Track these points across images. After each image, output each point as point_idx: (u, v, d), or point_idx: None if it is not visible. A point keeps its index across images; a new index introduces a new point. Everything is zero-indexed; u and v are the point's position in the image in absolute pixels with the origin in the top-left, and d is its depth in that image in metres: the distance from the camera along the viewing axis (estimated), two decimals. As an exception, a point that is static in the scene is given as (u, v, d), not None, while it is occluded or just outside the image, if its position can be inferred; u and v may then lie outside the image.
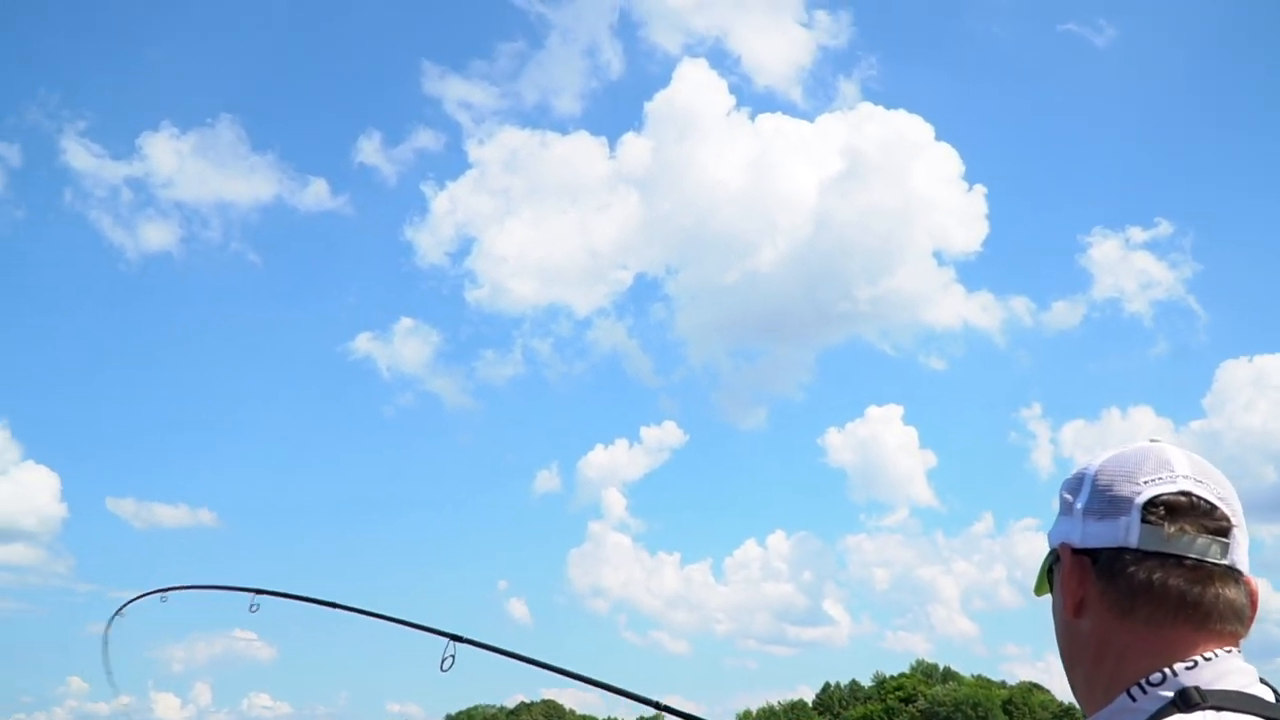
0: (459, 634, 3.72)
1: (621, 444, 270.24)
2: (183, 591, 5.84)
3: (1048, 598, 1.85)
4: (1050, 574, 1.87)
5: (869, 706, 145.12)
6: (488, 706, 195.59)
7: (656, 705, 2.96)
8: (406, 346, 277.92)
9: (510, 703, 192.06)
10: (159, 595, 5.97)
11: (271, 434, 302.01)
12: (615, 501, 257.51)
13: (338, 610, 4.35)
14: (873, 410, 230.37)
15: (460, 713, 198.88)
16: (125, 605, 6.50)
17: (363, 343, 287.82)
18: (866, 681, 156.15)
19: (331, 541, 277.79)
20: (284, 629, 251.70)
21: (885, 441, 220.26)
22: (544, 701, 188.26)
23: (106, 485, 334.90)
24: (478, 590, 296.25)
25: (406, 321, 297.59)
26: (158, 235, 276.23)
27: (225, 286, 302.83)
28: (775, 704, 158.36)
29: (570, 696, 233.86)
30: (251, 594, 4.80)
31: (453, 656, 3.55)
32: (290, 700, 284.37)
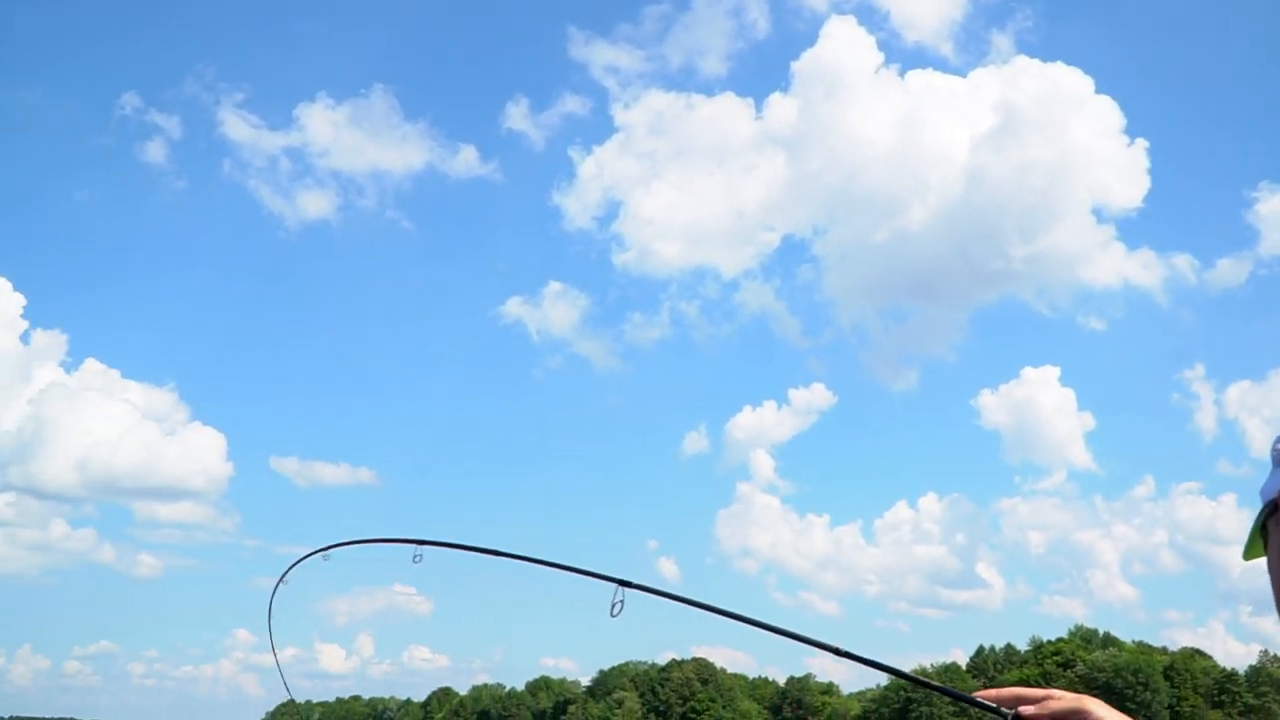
0: (627, 579, 3.67)
1: (770, 406, 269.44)
2: (346, 547, 5.84)
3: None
4: (1264, 531, 1.85)
5: (1025, 671, 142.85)
6: (640, 663, 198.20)
7: (835, 651, 2.80)
8: (555, 310, 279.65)
9: (661, 660, 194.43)
10: (321, 554, 6.02)
11: (427, 396, 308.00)
12: (764, 463, 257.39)
13: (501, 559, 4.29)
14: (1028, 371, 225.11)
15: (613, 668, 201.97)
16: (289, 570, 6.53)
17: (513, 307, 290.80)
18: (1022, 646, 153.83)
19: (486, 499, 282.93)
20: (442, 584, 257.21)
21: (1041, 403, 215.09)
22: (695, 659, 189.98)
23: (270, 445, 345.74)
24: (628, 549, 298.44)
25: (555, 285, 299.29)
26: (315, 204, 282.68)
27: (380, 253, 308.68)
28: (928, 666, 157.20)
29: (721, 655, 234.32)
30: (414, 545, 4.81)
31: (621, 602, 3.52)
32: (449, 653, 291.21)
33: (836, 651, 3.01)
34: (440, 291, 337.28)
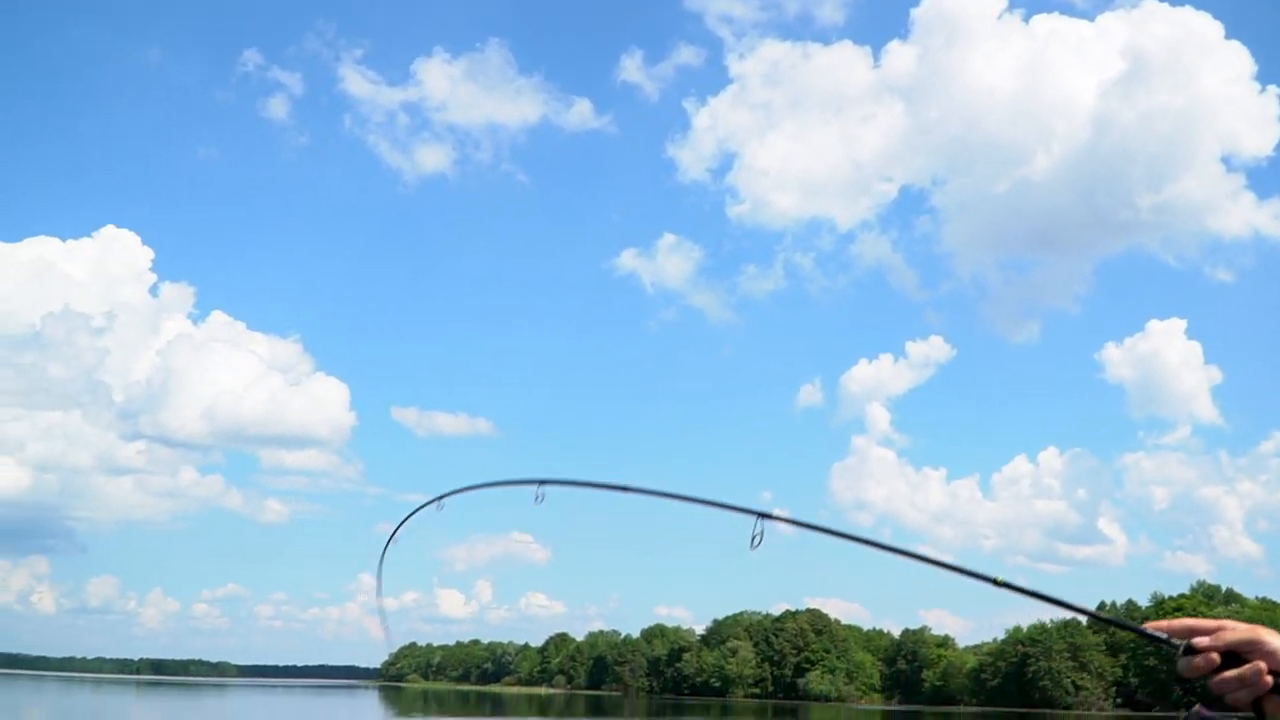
0: (767, 511, 3.76)
1: (886, 359, 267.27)
2: (467, 493, 5.66)
3: None
4: None
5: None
6: (753, 613, 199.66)
7: (994, 581, 2.90)
8: (669, 262, 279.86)
9: (775, 610, 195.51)
10: (436, 504, 5.85)
11: (543, 348, 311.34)
12: (879, 416, 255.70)
13: (630, 494, 4.36)
14: (1154, 324, 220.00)
15: (727, 617, 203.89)
16: (406, 519, 6.38)
17: (627, 259, 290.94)
18: (1144, 602, 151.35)
19: (600, 450, 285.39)
20: (558, 532, 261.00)
21: (1167, 357, 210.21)
22: (809, 610, 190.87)
23: (391, 395, 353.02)
24: (741, 501, 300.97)
25: (669, 238, 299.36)
26: (432, 158, 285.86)
27: (496, 206, 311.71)
28: (1047, 621, 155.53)
29: (835, 607, 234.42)
30: (536, 485, 4.66)
31: (760, 534, 3.61)
32: (564, 599, 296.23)
33: (995, 581, 3.04)
34: (555, 244, 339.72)
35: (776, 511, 3.57)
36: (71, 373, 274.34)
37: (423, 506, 6.00)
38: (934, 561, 3.06)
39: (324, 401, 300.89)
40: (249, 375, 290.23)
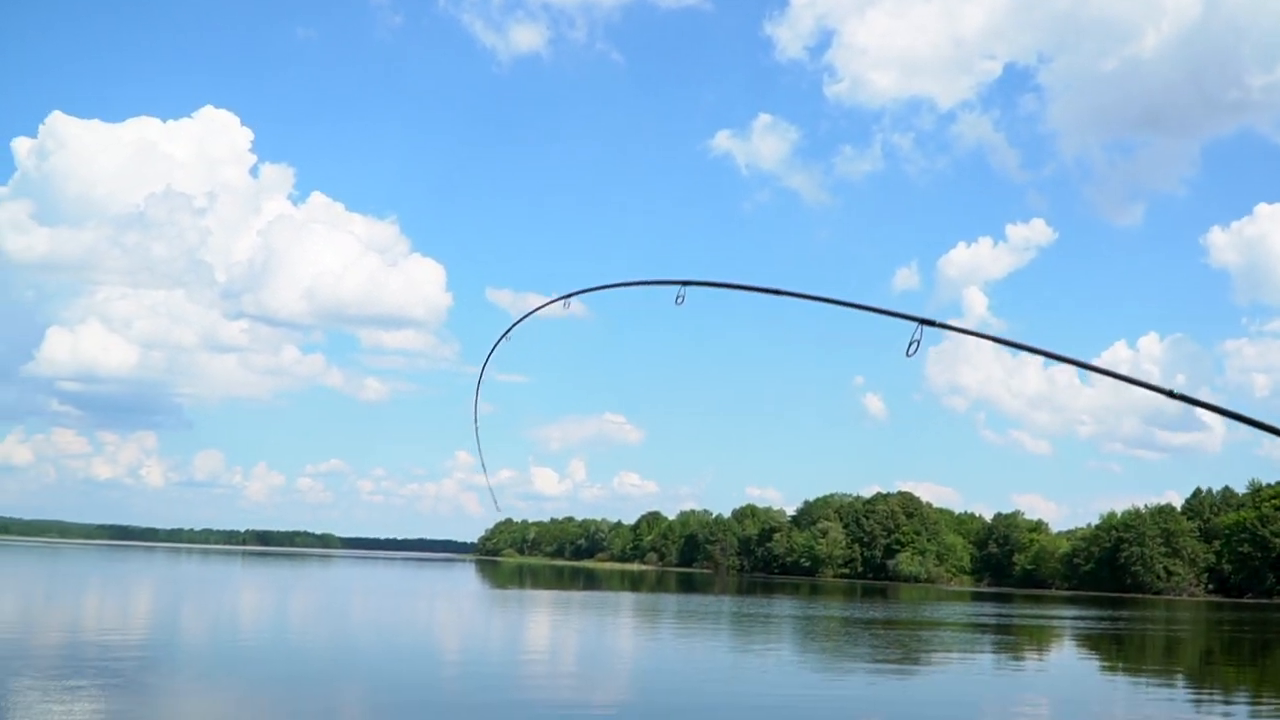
0: (929, 318, 3.79)
1: (985, 242, 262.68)
2: (610, 290, 5.34)
3: None
4: None
5: (1242, 514, 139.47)
6: (844, 495, 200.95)
7: (1169, 393, 2.91)
8: (764, 143, 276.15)
9: (866, 493, 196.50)
10: (563, 302, 5.53)
11: (637, 229, 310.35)
12: (976, 300, 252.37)
13: (779, 296, 4.21)
14: (1262, 208, 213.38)
15: (818, 499, 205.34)
16: (530, 313, 6.28)
17: (722, 140, 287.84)
18: (1240, 489, 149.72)
19: (693, 333, 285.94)
20: (652, 414, 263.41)
21: (1275, 241, 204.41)
22: (900, 493, 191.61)
23: (486, 276, 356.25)
24: (833, 384, 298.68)
25: (764, 118, 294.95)
26: (526, 37, 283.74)
27: (590, 86, 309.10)
28: (1141, 507, 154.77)
29: (926, 490, 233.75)
30: (679, 286, 4.49)
31: (918, 341, 3.72)
32: (656, 479, 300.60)
33: (1169, 393, 3.14)
34: (648, 125, 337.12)
35: (937, 320, 3.54)
36: (174, 252, 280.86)
37: (548, 304, 5.84)
38: (1104, 370, 3.26)
39: (420, 282, 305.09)
40: (347, 256, 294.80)
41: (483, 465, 7.36)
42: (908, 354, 3.83)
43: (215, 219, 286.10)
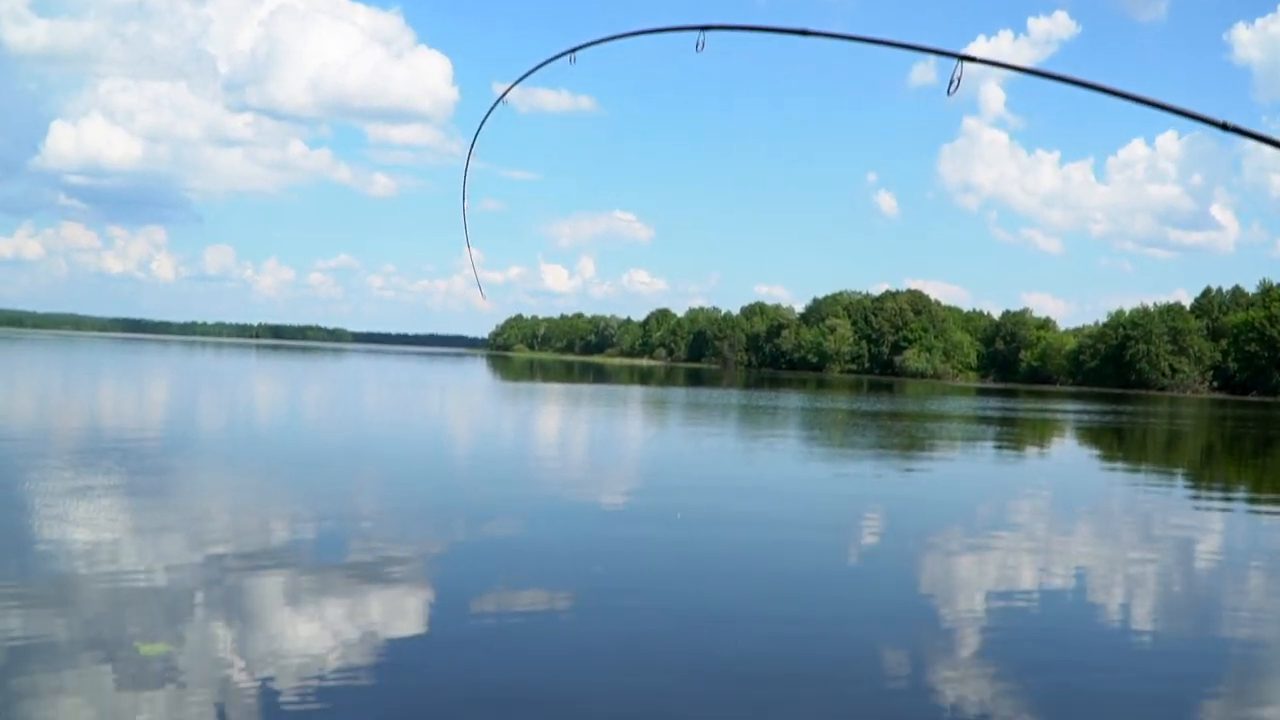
0: (968, 54, 3.70)
1: (1005, 35, 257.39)
2: (626, 37, 5.06)
3: None
4: None
5: (1251, 313, 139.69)
6: (853, 293, 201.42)
7: (1223, 126, 2.76)
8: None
9: (875, 291, 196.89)
10: (569, 56, 5.32)
11: (653, 8, 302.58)
12: (993, 96, 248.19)
13: (807, 37, 3.98)
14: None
15: (827, 296, 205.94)
16: (536, 68, 5.97)
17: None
18: (1250, 288, 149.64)
19: (701, 130, 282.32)
20: (661, 212, 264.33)
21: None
22: (909, 291, 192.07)
23: (493, 70, 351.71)
24: (844, 182, 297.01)
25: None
26: None
27: None
28: (1150, 305, 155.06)
29: (935, 288, 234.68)
30: (698, 31, 4.27)
31: (958, 80, 3.58)
32: (665, 277, 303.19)
33: (1223, 125, 3.06)
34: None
35: (975, 55, 3.51)
36: (175, 42, 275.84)
37: (554, 59, 5.56)
38: (1152, 103, 3.13)
39: (426, 75, 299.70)
40: (350, 47, 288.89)
41: (468, 245, 7.18)
42: (948, 93, 3.79)
43: (215, 8, 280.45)
